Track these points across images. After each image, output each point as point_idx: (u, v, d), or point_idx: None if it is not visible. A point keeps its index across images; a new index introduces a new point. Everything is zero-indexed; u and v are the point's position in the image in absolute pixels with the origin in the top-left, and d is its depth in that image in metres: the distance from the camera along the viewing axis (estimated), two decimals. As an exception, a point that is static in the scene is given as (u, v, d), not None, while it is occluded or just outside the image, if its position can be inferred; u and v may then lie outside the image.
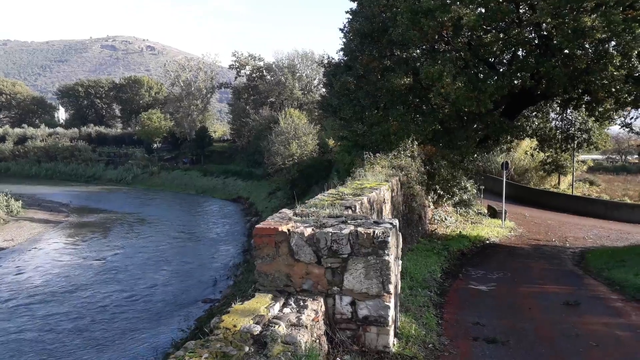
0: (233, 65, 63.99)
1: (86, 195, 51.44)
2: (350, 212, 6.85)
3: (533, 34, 16.81)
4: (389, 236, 5.33)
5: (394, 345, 5.65)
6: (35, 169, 67.98)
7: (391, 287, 5.39)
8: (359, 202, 7.67)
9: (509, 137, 21.19)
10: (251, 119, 54.39)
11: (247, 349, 4.29)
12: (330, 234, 5.44)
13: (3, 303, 18.91)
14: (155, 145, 69.26)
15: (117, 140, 74.32)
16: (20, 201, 38.54)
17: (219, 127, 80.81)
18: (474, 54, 16.76)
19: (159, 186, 56.53)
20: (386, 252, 5.32)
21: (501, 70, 17.90)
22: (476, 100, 15.55)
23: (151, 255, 26.63)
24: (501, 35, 16.22)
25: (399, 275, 6.26)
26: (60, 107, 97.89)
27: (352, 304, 5.46)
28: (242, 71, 64.37)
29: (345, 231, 5.45)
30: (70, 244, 29.51)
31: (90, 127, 78.48)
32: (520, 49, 16.85)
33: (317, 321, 5.16)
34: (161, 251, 27.64)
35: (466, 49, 16.84)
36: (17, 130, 78.20)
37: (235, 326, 4.60)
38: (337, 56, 23.73)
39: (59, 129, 78.53)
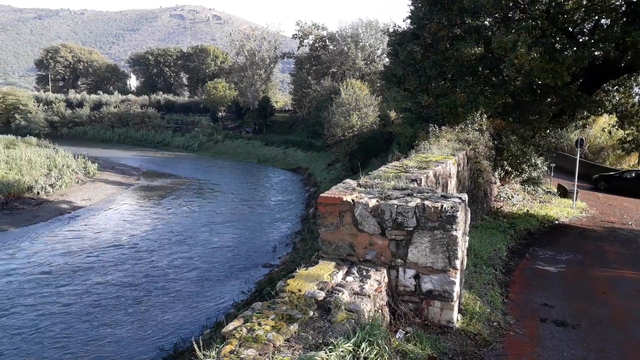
0: (296, 34, 63.83)
1: (155, 160, 53.93)
2: (415, 185, 6.71)
3: (620, 1, 15.41)
4: (457, 211, 5.17)
5: (457, 320, 5.56)
6: (109, 134, 71.84)
7: (457, 263, 5.26)
8: (425, 175, 7.49)
9: (585, 113, 19.81)
10: (312, 89, 54.32)
11: (311, 313, 4.36)
12: (395, 206, 5.35)
13: (82, 257, 20.46)
14: (220, 114, 71.03)
15: (184, 108, 76.87)
16: (96, 164, 41.06)
17: (281, 98, 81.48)
18: (552, 23, 15.64)
19: (223, 154, 58.20)
20: (454, 227, 5.17)
21: (581, 40, 16.62)
22: (552, 72, 14.59)
23: (214, 219, 27.68)
24: (584, 2, 14.99)
25: (465, 252, 6.10)
26: (132, 74, 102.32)
27: (416, 277, 5.39)
28: (305, 41, 64.11)
29: (412, 204, 5.34)
30: (140, 206, 31.24)
31: (160, 95, 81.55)
32: (605, 17, 15.53)
33: (380, 292, 5.15)
34: (223, 216, 28.64)
35: (544, 17, 15.73)
36: (93, 96, 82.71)
37: (300, 290, 4.69)
38: (403, 24, 22.96)
39: (131, 96, 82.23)
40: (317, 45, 63.34)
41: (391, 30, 24.25)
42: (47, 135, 60.73)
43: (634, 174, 25.36)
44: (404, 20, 21.99)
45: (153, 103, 77.29)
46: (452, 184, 10.02)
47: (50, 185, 31.62)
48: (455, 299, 5.35)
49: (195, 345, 3.80)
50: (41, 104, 77.24)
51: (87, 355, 12.68)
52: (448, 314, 5.36)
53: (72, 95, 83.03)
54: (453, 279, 5.26)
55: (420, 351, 4.41)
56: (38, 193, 29.98)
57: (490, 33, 16.94)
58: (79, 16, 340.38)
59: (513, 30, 15.09)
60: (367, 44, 59.25)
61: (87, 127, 74.48)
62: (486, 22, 18.10)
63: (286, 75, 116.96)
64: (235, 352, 3.63)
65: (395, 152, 18.17)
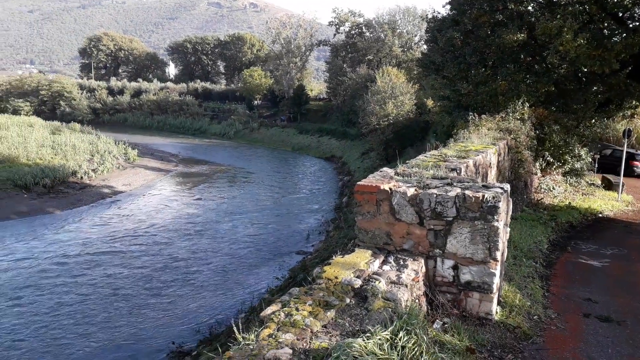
0: (332, 22, 63.39)
1: (192, 147, 55.01)
2: (455, 174, 6.58)
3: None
4: (499, 201, 5.04)
5: (496, 312, 5.46)
6: (148, 121, 73.64)
7: (498, 254, 5.15)
8: (464, 164, 7.34)
9: (634, 102, 18.91)
10: (347, 77, 53.96)
11: (348, 300, 4.37)
12: (434, 195, 5.27)
13: (123, 240, 21.18)
14: (255, 102, 71.65)
15: (221, 96, 77.89)
16: (136, 150, 42.24)
17: (316, 86, 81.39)
18: (600, 7, 14.93)
19: (258, 142, 58.80)
20: (495, 217, 5.05)
21: (631, 25, 15.82)
22: (600, 59, 13.96)
23: (248, 206, 28.07)
24: (637, -15, 14.26)
25: (506, 243, 5.96)
26: (171, 62, 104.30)
27: (455, 267, 5.31)
28: (341, 28, 63.62)
29: (451, 193, 5.24)
30: (178, 192, 31.99)
31: (197, 83, 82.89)
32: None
33: (417, 281, 5.10)
34: (258, 203, 29.00)
35: (592, 2, 15.04)
36: (134, 84, 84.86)
37: (336, 277, 4.70)
38: (443, 10, 22.42)
39: (169, 84, 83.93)
40: (353, 32, 62.76)
41: (430, 16, 23.71)
42: (90, 122, 62.76)
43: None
44: (443, 6, 21.45)
45: (191, 91, 78.64)
46: (492, 174, 9.78)
47: (93, 170, 32.76)
48: (494, 290, 5.25)
49: (234, 328, 3.86)
50: (84, 92, 79.82)
51: (126, 335, 13.17)
52: (487, 305, 5.26)
53: (114, 82, 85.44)
54: (493, 270, 5.15)
55: (458, 342, 4.36)
56: (81, 177, 31.12)
57: (533, 19, 16.33)
58: (120, 5, 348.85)
59: (558, 16, 14.48)
60: (405, 31, 58.27)
61: (128, 114, 76.54)
62: (529, 8, 17.45)
63: (321, 63, 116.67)
64: (273, 336, 3.68)
65: (432, 142, 17.87)
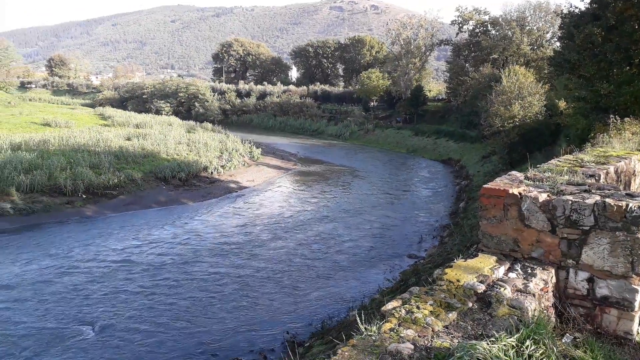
0: (455, 20, 61.38)
1: (310, 147, 57.01)
2: (593, 180, 6.08)
3: None
4: (646, 211, 4.58)
5: (637, 333, 4.96)
6: (271, 122, 77.84)
7: (642, 270, 4.67)
8: (604, 171, 6.73)
9: None
10: (470, 77, 51.84)
11: (470, 304, 4.30)
12: (570, 202, 4.94)
13: (246, 232, 22.72)
14: (372, 104, 72.07)
15: (338, 98, 79.63)
16: (260, 149, 44.96)
17: (434, 86, 79.42)
18: None
19: (372, 143, 59.08)
20: (641, 229, 4.59)
21: None
22: None
23: (362, 206, 28.37)
24: None
25: (652, 258, 5.37)
26: (293, 66, 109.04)
27: (590, 280, 4.93)
28: (465, 26, 61.32)
29: (589, 201, 4.87)
30: (296, 190, 33.43)
31: (317, 86, 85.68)
32: None
33: (546, 292, 4.83)
34: (371, 203, 29.19)
35: None
36: (259, 87, 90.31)
37: (458, 281, 4.64)
38: (581, 5, 20.56)
39: (291, 87, 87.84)
40: (477, 30, 60.14)
41: (565, 11, 21.92)
42: (220, 122, 68.09)
43: None
44: (581, 0, 19.72)
45: (311, 93, 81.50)
46: (637, 182, 8.81)
47: (222, 166, 35.56)
48: (636, 308, 4.76)
49: (357, 319, 4.03)
50: (216, 94, 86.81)
51: (245, 321, 14.14)
52: (627, 324, 4.79)
53: (241, 85, 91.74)
54: (636, 286, 4.68)
55: (591, 359, 4.06)
56: (212, 173, 33.97)
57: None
58: (249, 12, 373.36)
59: None
60: (535, 28, 54.38)
61: (253, 115, 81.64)
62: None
63: (441, 63, 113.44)
64: (394, 330, 3.78)
65: (562, 146, 16.53)
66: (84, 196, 26.04)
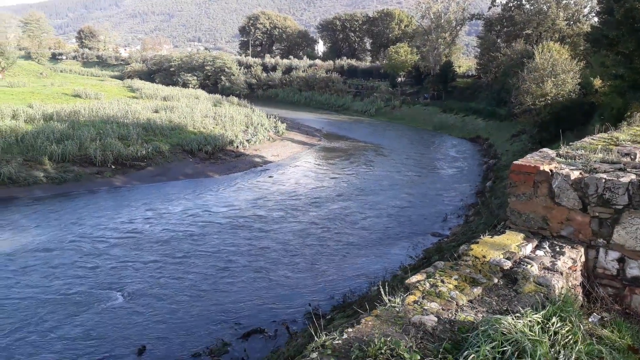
0: (488, -7, 59.34)
1: (335, 123, 56.71)
2: (628, 159, 5.90)
3: None
4: (685, 191, 4.42)
5: (668, 316, 4.86)
6: (296, 97, 77.50)
7: (677, 251, 4.55)
8: (640, 149, 6.51)
9: None
10: (501, 53, 50.32)
11: (495, 280, 4.28)
12: (603, 180, 4.80)
13: (270, 205, 22.96)
14: (399, 79, 70.90)
15: (365, 73, 78.55)
16: (285, 124, 44.95)
17: (464, 62, 77.44)
18: None
19: (398, 120, 58.34)
20: (678, 209, 4.45)
21: None
22: None
23: (385, 183, 28.24)
24: None
25: (687, 240, 5.21)
26: (320, 40, 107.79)
27: (620, 260, 4.82)
28: (497, 0, 59.23)
29: (624, 179, 4.73)
30: (320, 165, 33.46)
31: (343, 60, 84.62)
32: None
33: (575, 270, 4.76)
34: (395, 180, 29.02)
35: None
36: (285, 61, 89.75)
37: (484, 257, 4.61)
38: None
39: (317, 61, 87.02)
40: (510, 4, 57.99)
41: (606, -17, 20.94)
42: (245, 96, 68.19)
43: None
44: (624, -28, 18.74)
45: (337, 68, 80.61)
46: (674, 164, 8.50)
47: (247, 140, 35.77)
48: (668, 291, 4.67)
49: (381, 290, 4.05)
50: (242, 68, 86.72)
51: (267, 293, 14.40)
52: (657, 306, 4.71)
53: (268, 59, 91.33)
54: (668, 269, 4.58)
55: (619, 339, 3.99)
56: (237, 147, 34.22)
57: None
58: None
59: None
60: (572, 2, 52.18)
61: (279, 90, 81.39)
62: None
63: (472, 38, 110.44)
64: (418, 303, 3.79)
65: (595, 125, 16.01)
66: (113, 167, 26.65)
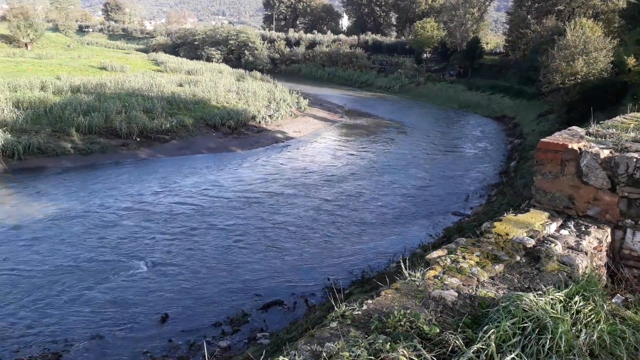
0: (521, -33, 57.24)
1: (358, 99, 56.14)
2: (662, 139, 5.70)
3: None
4: None
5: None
6: (319, 72, 76.73)
7: None
8: (675, 130, 6.28)
9: None
10: (531, 29, 48.76)
11: (518, 258, 4.24)
12: (635, 159, 4.67)
13: (290, 181, 23.07)
14: (424, 55, 69.49)
15: (390, 48, 77.12)
16: (307, 100, 44.69)
17: (492, 39, 75.30)
18: None
19: (423, 97, 57.37)
20: None
21: None
22: None
23: (407, 161, 28.02)
24: None
25: None
26: (344, 14, 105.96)
27: (648, 242, 4.72)
28: (530, -26, 57.13)
29: (657, 159, 4.59)
30: (342, 142, 33.31)
31: (368, 35, 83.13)
32: None
33: (600, 251, 4.68)
34: (417, 159, 28.77)
35: None
36: (309, 35, 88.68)
37: (507, 234, 4.57)
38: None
39: (341, 36, 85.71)
40: (543, -21, 55.90)
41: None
42: (269, 71, 67.86)
43: None
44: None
45: (361, 43, 79.34)
46: None
47: (269, 116, 35.75)
48: (697, 275, 4.57)
49: (402, 264, 4.07)
50: (265, 42, 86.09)
51: (287, 265, 14.59)
52: (684, 290, 4.61)
53: (291, 34, 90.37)
54: (699, 252, 4.47)
55: (643, 321, 3.94)
56: (259, 122, 34.26)
57: None
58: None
59: None
60: (609, -24, 49.98)
61: (302, 65, 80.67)
62: None
63: (501, 14, 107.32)
64: (439, 277, 3.79)
65: (628, 105, 15.50)
66: (138, 139, 27.04)
